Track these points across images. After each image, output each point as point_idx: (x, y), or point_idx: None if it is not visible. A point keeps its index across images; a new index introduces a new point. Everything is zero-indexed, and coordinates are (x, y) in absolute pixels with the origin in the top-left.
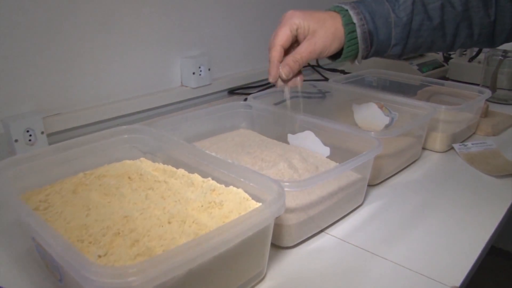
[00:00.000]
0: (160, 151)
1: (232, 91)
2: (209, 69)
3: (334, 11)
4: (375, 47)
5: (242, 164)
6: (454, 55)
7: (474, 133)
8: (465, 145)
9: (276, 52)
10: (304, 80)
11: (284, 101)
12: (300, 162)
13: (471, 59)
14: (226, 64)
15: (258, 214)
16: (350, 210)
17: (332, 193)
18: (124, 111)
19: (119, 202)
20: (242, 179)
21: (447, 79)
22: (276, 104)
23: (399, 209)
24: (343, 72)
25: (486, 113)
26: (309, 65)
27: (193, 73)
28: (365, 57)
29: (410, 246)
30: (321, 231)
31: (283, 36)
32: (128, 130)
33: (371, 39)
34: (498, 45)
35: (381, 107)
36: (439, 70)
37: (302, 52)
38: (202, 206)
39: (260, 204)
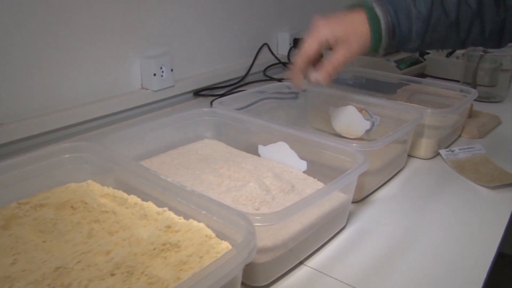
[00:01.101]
0: (109, 172)
1: (197, 93)
2: (171, 70)
3: (359, 7)
4: (398, 39)
5: (206, 184)
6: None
7: (459, 135)
8: (452, 151)
9: (302, 62)
10: (276, 79)
11: (250, 104)
12: (274, 180)
13: (449, 54)
14: (191, 64)
15: (223, 265)
16: (332, 235)
17: (314, 220)
18: (77, 119)
19: (56, 242)
20: (204, 212)
21: (425, 76)
22: (242, 108)
23: (385, 232)
24: None
25: (470, 114)
26: (280, 62)
27: (154, 75)
28: (386, 49)
29: (399, 278)
30: (300, 262)
31: (310, 49)
32: (73, 148)
33: (394, 32)
34: (503, 45)
35: (360, 111)
36: (417, 66)
37: (339, 58)
38: (155, 249)
39: (226, 243)
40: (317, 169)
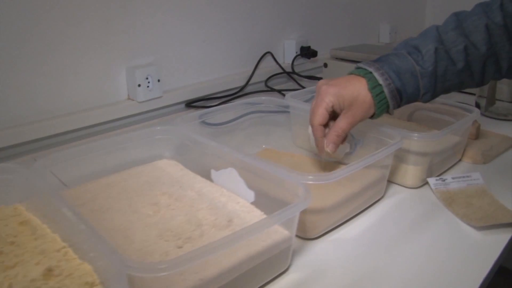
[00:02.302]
0: (34, 197)
1: (189, 104)
2: (158, 80)
3: (359, 74)
4: (405, 99)
5: (138, 214)
6: None
7: (460, 160)
8: (444, 180)
9: (318, 132)
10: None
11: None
12: (209, 213)
13: None
14: (183, 74)
15: None
16: (269, 279)
17: (239, 262)
18: (59, 129)
19: None
20: (92, 254)
21: None
22: (226, 123)
23: (335, 278)
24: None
25: (477, 134)
26: (284, 71)
27: (139, 85)
28: (397, 107)
29: None
30: None
31: (320, 117)
32: (3, 169)
33: (400, 94)
34: None
35: None
36: None
37: (343, 126)
38: None
39: None
40: (265, 200)
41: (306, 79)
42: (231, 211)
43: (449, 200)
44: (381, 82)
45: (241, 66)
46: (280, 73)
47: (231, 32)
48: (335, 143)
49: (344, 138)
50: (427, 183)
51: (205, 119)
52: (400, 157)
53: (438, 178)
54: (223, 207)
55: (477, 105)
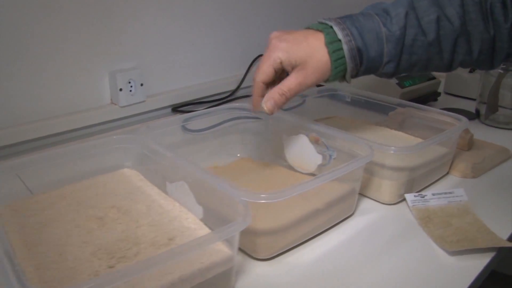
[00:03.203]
0: None
1: (176, 109)
2: (141, 84)
3: (317, 29)
4: (366, 64)
5: (79, 229)
6: None
7: (447, 173)
8: (423, 197)
9: (257, 89)
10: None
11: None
12: (150, 230)
13: (472, 69)
14: (168, 78)
15: None
16: None
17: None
18: (39, 133)
19: None
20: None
21: (438, 94)
22: (207, 129)
23: None
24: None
25: (469, 145)
26: None
27: (120, 90)
28: (355, 75)
29: None
30: None
31: (263, 74)
32: None
33: (360, 56)
34: (497, 66)
35: (316, 141)
36: (426, 84)
37: (290, 85)
38: None
39: None
40: (214, 217)
41: None
42: (176, 228)
43: (426, 220)
44: (340, 37)
45: (234, 70)
46: None
47: (223, 35)
48: (276, 102)
49: (286, 99)
50: (405, 199)
51: (186, 124)
52: (374, 171)
53: (417, 194)
54: (169, 224)
55: (477, 112)
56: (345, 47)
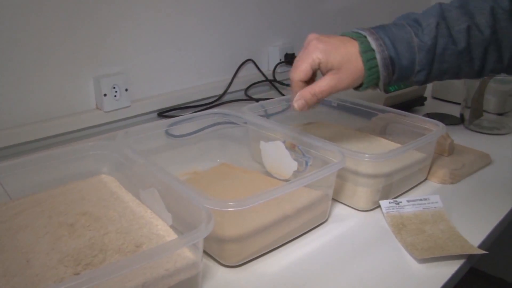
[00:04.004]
0: None
1: (162, 114)
2: (126, 90)
3: (352, 37)
4: (398, 73)
5: (49, 236)
6: None
7: (425, 179)
8: (398, 203)
9: (297, 87)
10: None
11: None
12: (117, 237)
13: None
14: (154, 83)
15: None
16: None
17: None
18: (23, 138)
19: None
20: None
21: (425, 98)
22: (188, 134)
23: None
24: None
25: (450, 151)
26: (266, 79)
27: (105, 95)
28: (388, 84)
29: None
30: None
31: (302, 73)
32: None
33: (393, 65)
34: None
35: (292, 148)
36: (412, 89)
37: (323, 86)
38: None
39: None
40: (183, 224)
41: (289, 87)
42: (145, 235)
43: (400, 226)
44: (374, 47)
45: (221, 74)
46: (261, 81)
47: (210, 40)
48: (307, 102)
49: (318, 100)
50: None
51: (168, 129)
52: (349, 177)
53: (392, 200)
54: (138, 230)
55: (462, 117)
56: (378, 56)
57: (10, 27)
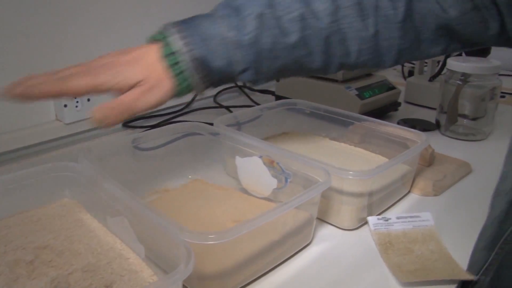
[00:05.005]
0: None
1: (126, 124)
2: (88, 100)
3: (156, 39)
4: (216, 74)
5: (3, 275)
6: (415, 72)
7: (409, 191)
8: (386, 220)
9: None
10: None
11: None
12: (84, 276)
13: (432, 78)
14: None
15: None
16: None
17: None
18: None
19: None
20: None
21: (399, 104)
22: (159, 147)
23: None
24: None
25: (430, 161)
26: (235, 85)
27: (65, 106)
28: (208, 87)
29: None
30: None
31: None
32: None
33: (205, 66)
34: (390, 65)
35: (270, 163)
36: (386, 94)
37: (125, 100)
38: None
39: None
40: (157, 256)
41: (259, 93)
42: (115, 271)
43: (387, 245)
44: (178, 47)
45: None
46: (231, 88)
47: None
48: (105, 111)
49: (126, 116)
50: (367, 222)
51: (134, 144)
52: (332, 196)
53: (380, 217)
54: (107, 266)
55: (437, 123)
56: (185, 57)
57: None
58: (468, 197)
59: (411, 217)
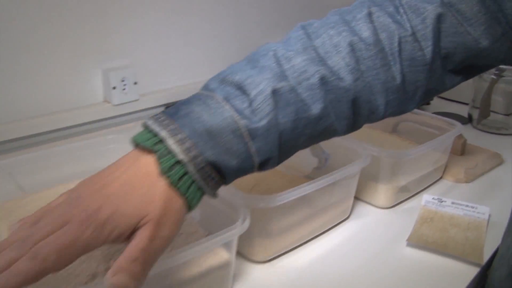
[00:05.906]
0: None
1: (169, 107)
2: (135, 83)
3: (146, 148)
4: (232, 174)
5: None
6: None
7: (441, 177)
8: (441, 202)
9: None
10: None
11: None
12: None
13: None
14: (162, 77)
15: None
16: None
17: None
18: (32, 130)
19: None
20: None
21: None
22: None
23: None
24: None
25: (462, 150)
26: None
27: (114, 88)
28: (224, 184)
29: None
30: None
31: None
32: None
33: (217, 170)
34: (414, 108)
35: None
36: None
37: (140, 245)
38: None
39: None
40: (210, 221)
41: None
42: None
43: (427, 220)
44: (180, 156)
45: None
46: None
47: (216, 32)
48: (132, 272)
49: (153, 262)
50: (400, 202)
51: None
52: (369, 175)
53: (436, 197)
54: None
55: (470, 117)
56: (190, 168)
57: (18, 19)
58: (499, 186)
59: (467, 205)
